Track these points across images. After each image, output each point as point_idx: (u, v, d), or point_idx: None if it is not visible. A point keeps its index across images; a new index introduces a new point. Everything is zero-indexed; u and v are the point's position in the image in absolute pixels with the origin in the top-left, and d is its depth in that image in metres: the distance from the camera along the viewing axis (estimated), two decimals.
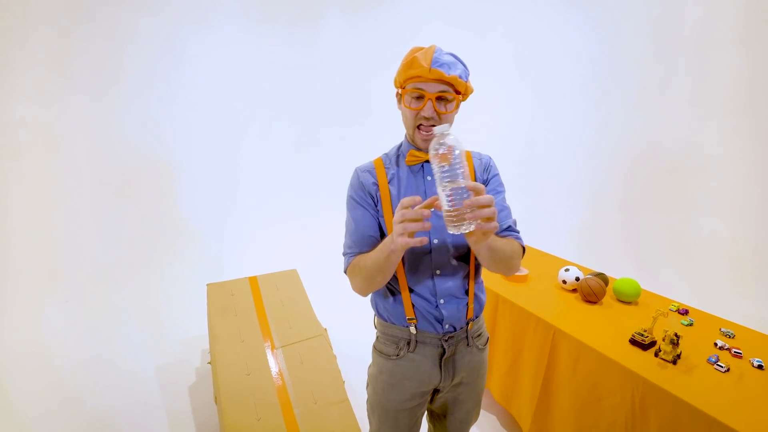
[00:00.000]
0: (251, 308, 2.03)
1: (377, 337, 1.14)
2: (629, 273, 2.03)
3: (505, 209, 1.06)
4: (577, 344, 1.55)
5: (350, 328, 2.42)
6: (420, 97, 0.94)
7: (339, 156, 4.49)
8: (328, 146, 4.72)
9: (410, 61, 0.93)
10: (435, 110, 0.93)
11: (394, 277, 1.02)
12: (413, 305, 1.02)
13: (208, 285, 2.17)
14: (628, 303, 1.84)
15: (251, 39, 4.09)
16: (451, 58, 0.93)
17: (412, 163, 1.02)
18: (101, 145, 3.31)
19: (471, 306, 1.05)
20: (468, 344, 1.08)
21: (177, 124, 3.73)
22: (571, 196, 3.99)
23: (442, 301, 1.01)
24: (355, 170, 1.08)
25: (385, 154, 1.11)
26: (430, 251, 1.00)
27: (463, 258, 1.03)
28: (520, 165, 4.12)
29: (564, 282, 1.95)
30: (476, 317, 1.09)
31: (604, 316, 1.73)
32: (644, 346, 1.46)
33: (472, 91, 1.00)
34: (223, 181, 4.07)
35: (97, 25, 3.19)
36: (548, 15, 4.01)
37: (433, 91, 0.92)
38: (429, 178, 1.02)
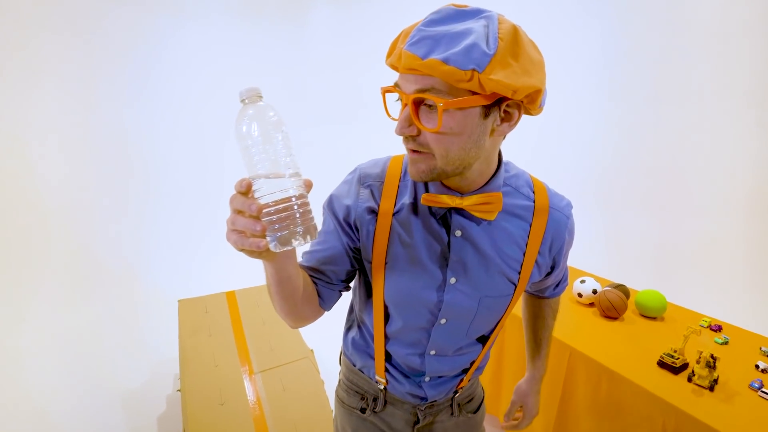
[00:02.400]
0: (228, 327, 1.90)
1: (339, 382, 0.97)
2: (652, 284, 1.90)
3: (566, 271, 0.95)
4: (597, 367, 1.42)
5: None
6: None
7: (328, 155, 4.34)
8: (317, 146, 4.58)
9: (394, 41, 0.63)
10: (413, 121, 0.60)
11: (371, 319, 0.82)
12: (386, 370, 0.84)
13: (179, 301, 2.04)
14: (653, 318, 1.71)
15: (234, 33, 3.98)
16: (453, 27, 0.56)
17: (430, 204, 0.69)
18: (72, 146, 3.18)
19: (467, 378, 0.87)
20: (452, 413, 0.90)
21: (153, 123, 3.61)
22: (583, 199, 3.85)
23: (427, 379, 0.84)
24: (357, 171, 0.77)
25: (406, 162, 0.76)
26: (431, 328, 0.77)
27: (480, 340, 0.84)
28: (529, 165, 3.99)
29: (579, 295, 1.82)
30: (470, 384, 0.92)
31: (626, 333, 1.60)
32: (675, 369, 1.33)
33: (514, 90, 0.56)
34: (201, 185, 3.92)
35: (63, 16, 3.07)
36: (556, 4, 3.93)
37: (408, 90, 0.59)
38: (458, 233, 0.72)
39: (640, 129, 3.50)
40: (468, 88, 0.55)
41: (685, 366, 1.35)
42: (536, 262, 0.76)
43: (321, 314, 0.79)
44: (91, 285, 3.07)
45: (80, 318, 2.84)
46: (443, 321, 0.75)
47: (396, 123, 0.62)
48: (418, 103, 0.60)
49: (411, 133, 0.61)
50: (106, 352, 2.59)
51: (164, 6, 3.54)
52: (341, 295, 0.81)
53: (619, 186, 3.65)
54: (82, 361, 2.51)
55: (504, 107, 0.60)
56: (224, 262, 3.71)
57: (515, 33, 0.56)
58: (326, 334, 2.42)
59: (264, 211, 0.51)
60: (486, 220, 0.71)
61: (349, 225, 0.75)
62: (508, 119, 0.62)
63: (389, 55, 0.63)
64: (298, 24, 4.39)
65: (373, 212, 0.73)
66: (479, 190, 0.69)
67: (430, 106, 0.59)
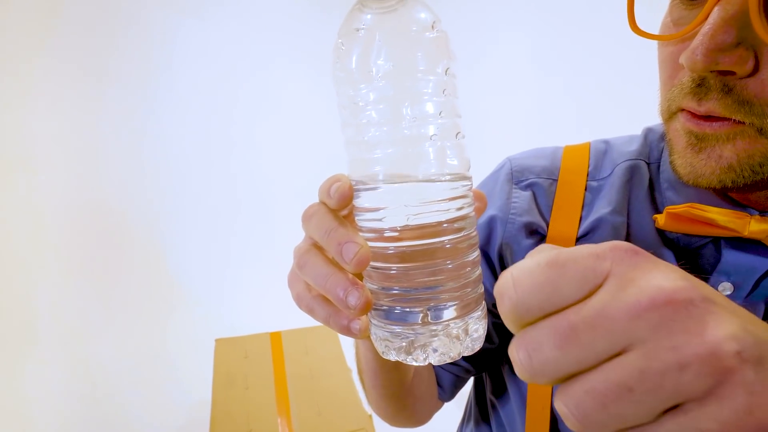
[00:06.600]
0: (269, 379, 1.65)
1: None
2: None
3: None
4: None
5: None
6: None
7: None
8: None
9: None
10: (756, 31, 0.26)
11: (521, 427, 0.48)
12: None
13: (216, 341, 1.84)
14: None
15: (292, 31, 3.83)
16: None
17: (679, 228, 0.37)
18: (83, 168, 3.07)
19: None
20: None
21: (187, 137, 3.49)
22: None
23: None
24: (506, 163, 0.49)
25: (624, 145, 0.45)
26: None
27: None
28: None
29: None
30: None
31: None
32: None
33: None
34: (246, 204, 3.70)
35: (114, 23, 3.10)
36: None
37: None
38: (726, 288, 0.38)
39: None
40: None
41: None
42: None
43: (438, 408, 0.55)
44: (119, 320, 2.93)
45: (108, 355, 2.70)
46: None
47: (688, 46, 0.28)
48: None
49: (730, 66, 0.27)
50: (137, 395, 2.44)
51: (225, 10, 3.52)
52: (469, 376, 0.53)
53: None
54: (112, 404, 2.40)
55: None
56: (271, 294, 3.40)
57: None
58: None
59: (373, 263, 0.25)
60: None
61: (488, 258, 0.45)
62: None
63: None
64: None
65: (537, 234, 0.42)
66: None
67: None
